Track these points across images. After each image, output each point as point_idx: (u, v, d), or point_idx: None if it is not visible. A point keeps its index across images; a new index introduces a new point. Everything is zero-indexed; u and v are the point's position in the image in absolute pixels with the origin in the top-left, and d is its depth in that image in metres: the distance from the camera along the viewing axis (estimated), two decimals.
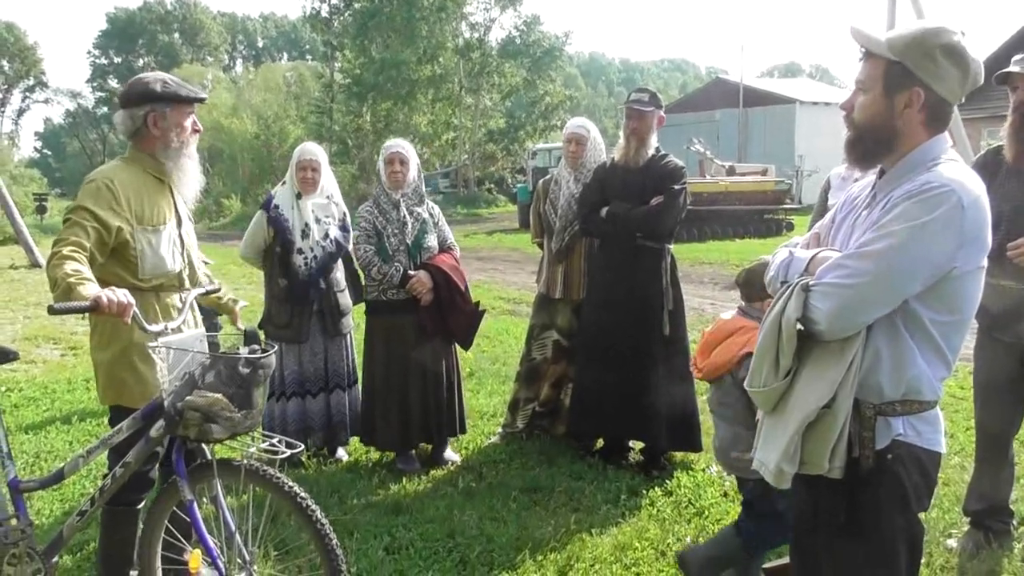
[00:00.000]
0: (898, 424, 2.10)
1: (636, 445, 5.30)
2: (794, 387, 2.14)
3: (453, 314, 5.03)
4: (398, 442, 5.09)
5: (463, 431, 5.37)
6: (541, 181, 5.68)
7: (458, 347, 5.31)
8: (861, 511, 2.14)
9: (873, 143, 2.13)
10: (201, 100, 3.29)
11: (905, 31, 2.07)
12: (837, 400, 2.05)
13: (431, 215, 5.17)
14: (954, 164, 2.07)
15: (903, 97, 2.06)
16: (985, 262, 2.07)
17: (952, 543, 3.93)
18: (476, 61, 41.25)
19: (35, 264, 17.19)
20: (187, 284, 3.30)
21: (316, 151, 5.13)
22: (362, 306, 5.23)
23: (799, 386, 2.13)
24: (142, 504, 3.31)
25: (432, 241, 5.10)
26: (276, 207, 5.04)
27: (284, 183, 5.16)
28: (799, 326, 2.08)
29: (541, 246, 5.65)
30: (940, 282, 2.01)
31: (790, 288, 2.12)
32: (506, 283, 14.77)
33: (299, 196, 5.05)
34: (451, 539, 4.06)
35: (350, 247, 5.26)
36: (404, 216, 5.01)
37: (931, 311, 2.05)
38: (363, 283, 5.24)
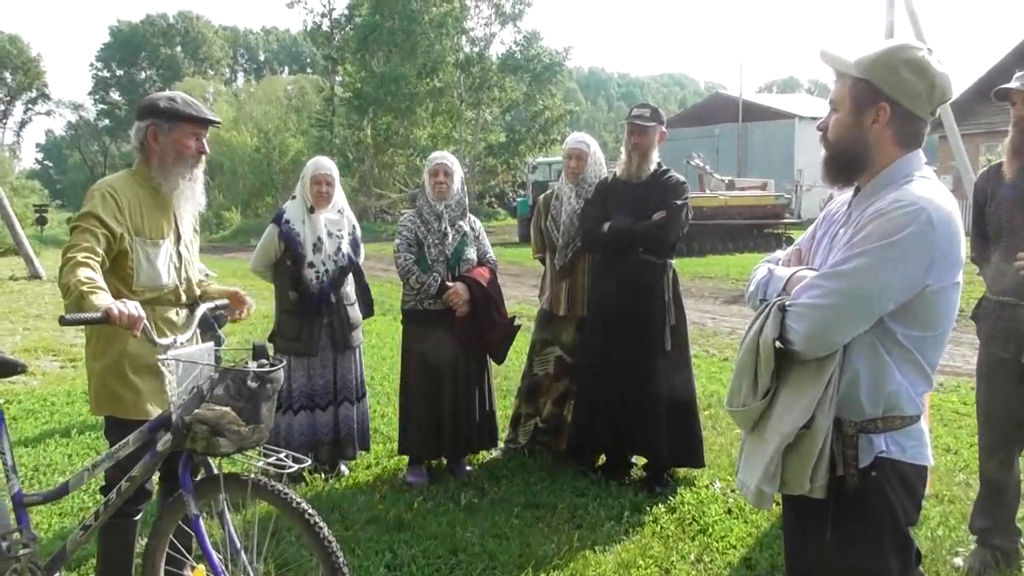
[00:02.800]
0: (880, 441, 2.09)
1: (639, 461, 5.28)
2: (773, 407, 2.15)
3: (488, 327, 5.05)
4: (428, 451, 5.13)
5: (494, 444, 5.39)
6: (542, 196, 5.66)
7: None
8: (849, 529, 2.13)
9: (846, 161, 2.15)
10: (210, 123, 3.23)
11: (871, 49, 2.11)
12: (816, 420, 2.05)
13: (472, 228, 5.21)
14: (925, 181, 2.08)
15: (871, 113, 2.09)
16: (961, 278, 2.07)
17: (959, 561, 3.91)
18: (476, 75, 41.31)
19: (35, 275, 17.19)
20: (183, 300, 3.29)
21: (330, 166, 5.16)
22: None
23: (778, 407, 2.13)
24: (139, 516, 3.30)
25: (471, 254, 5.14)
26: (287, 221, 5.06)
27: (294, 197, 5.17)
28: (778, 345, 2.09)
29: (543, 261, 5.64)
30: (914, 299, 2.01)
31: (767, 308, 2.14)
32: (506, 296, 14.71)
33: (311, 210, 5.07)
34: (453, 556, 4.04)
35: (360, 260, 5.29)
36: (445, 227, 5.05)
37: (906, 328, 2.05)
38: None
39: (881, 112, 2.08)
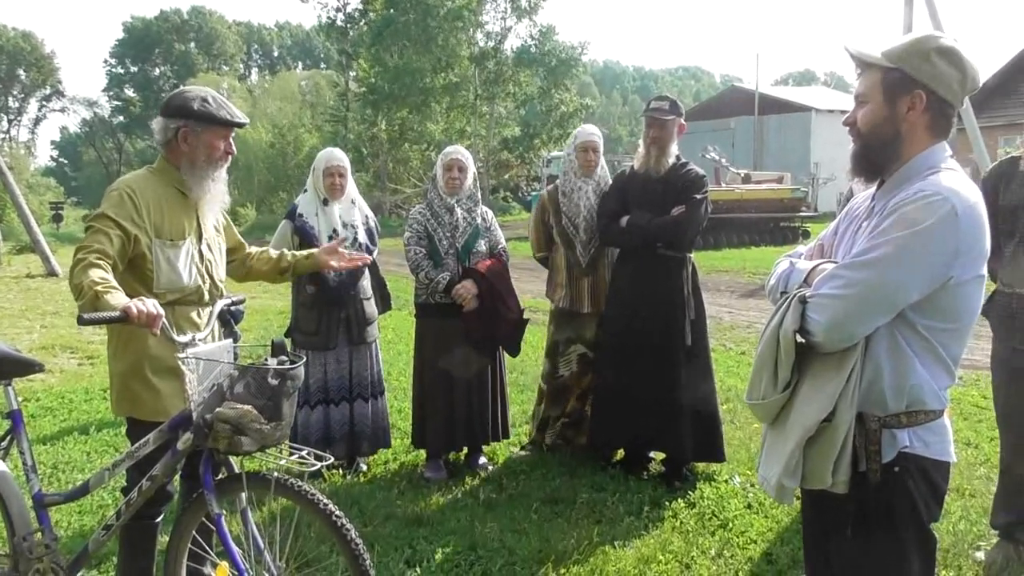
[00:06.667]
0: (904, 436, 2.08)
1: (657, 456, 5.26)
2: (794, 400, 2.13)
3: (497, 322, 5.04)
4: (443, 445, 5.13)
5: (506, 436, 5.38)
6: (546, 192, 5.49)
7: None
8: (870, 525, 2.12)
9: (879, 152, 2.13)
10: (239, 125, 3.17)
11: (899, 41, 2.10)
12: (837, 413, 2.04)
13: (483, 219, 5.19)
14: (950, 172, 2.06)
15: (905, 101, 2.07)
16: (984, 271, 2.06)
17: (980, 555, 3.89)
18: (491, 70, 41.24)
19: (52, 273, 17.30)
20: (206, 299, 3.23)
21: (342, 157, 5.17)
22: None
23: (799, 399, 2.12)
24: (160, 518, 3.27)
25: (482, 246, 5.13)
26: (300, 215, 5.05)
27: (306, 190, 5.17)
28: (798, 338, 2.07)
29: (544, 261, 5.56)
30: (937, 292, 1.99)
31: (788, 300, 2.12)
32: (521, 291, 14.56)
33: (326, 202, 5.07)
34: (473, 552, 4.03)
35: (375, 254, 5.26)
36: (457, 220, 5.04)
37: (929, 320, 2.03)
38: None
39: (917, 100, 2.06)
